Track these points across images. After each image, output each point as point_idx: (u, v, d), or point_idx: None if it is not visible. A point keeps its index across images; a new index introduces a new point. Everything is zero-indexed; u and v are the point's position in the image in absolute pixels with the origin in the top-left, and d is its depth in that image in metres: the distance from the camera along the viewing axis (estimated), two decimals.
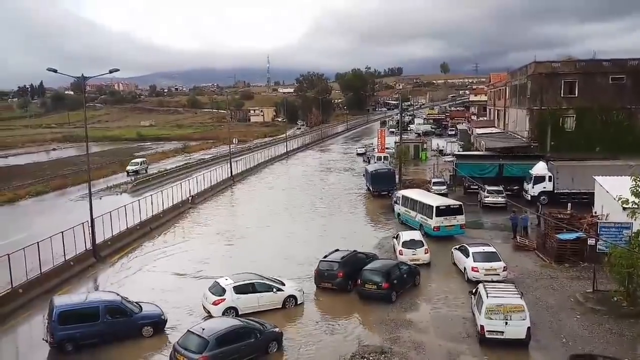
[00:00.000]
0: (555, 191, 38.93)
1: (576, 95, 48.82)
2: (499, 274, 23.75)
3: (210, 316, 20.79)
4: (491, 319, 18.04)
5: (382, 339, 19.22)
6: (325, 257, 24.71)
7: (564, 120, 49.18)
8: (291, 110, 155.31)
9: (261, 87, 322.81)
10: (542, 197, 38.70)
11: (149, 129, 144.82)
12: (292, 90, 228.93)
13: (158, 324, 20.10)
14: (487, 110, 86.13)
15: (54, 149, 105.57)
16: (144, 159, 69.79)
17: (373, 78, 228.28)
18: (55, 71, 28.13)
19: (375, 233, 34.56)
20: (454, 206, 31.74)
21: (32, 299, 23.45)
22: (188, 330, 17.57)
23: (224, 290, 21.03)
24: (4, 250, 23.54)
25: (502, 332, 17.92)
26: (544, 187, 39.19)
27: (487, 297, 18.56)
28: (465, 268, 24.92)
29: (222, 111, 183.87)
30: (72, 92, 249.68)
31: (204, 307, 21.41)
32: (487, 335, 18.11)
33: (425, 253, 27.03)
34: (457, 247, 27.23)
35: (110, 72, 29.01)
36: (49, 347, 18.73)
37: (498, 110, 71.98)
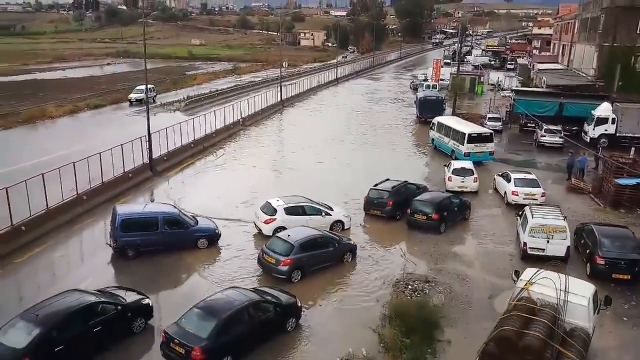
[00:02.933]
0: (617, 134, 37.21)
1: None
2: (537, 199, 25.23)
3: (261, 233, 21.67)
4: (534, 237, 19.61)
5: (427, 268, 19.61)
6: (376, 185, 24.97)
7: (636, 59, 45.90)
8: (342, 34, 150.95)
9: (313, 9, 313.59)
10: (602, 140, 37.10)
11: (199, 48, 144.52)
12: (344, 13, 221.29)
13: (212, 237, 21.09)
14: (551, 44, 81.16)
15: (108, 64, 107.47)
16: (152, 86, 56.58)
17: (431, 4, 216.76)
18: None
19: (423, 165, 34.49)
20: (485, 134, 33.41)
21: (94, 206, 24.90)
22: (275, 236, 19.69)
23: (275, 211, 21.70)
24: (70, 158, 24.85)
25: (544, 250, 19.44)
26: (606, 130, 37.47)
27: (532, 217, 20.13)
28: (505, 192, 26.55)
29: (272, 33, 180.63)
30: (124, 7, 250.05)
31: (255, 225, 22.25)
32: (529, 252, 19.71)
33: (474, 182, 27.58)
34: (500, 173, 28.52)
35: None
36: (112, 251, 20.06)
37: (563, 45, 67.75)
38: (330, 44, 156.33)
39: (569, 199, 27.62)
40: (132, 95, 54.85)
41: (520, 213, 22.03)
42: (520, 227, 21.24)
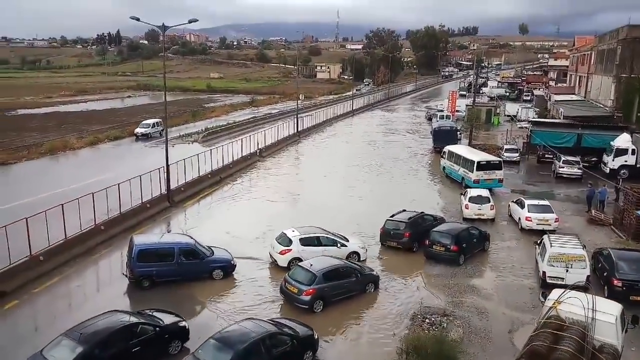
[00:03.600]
0: (638, 165, 36.71)
1: None
2: (550, 225, 25.84)
3: (276, 264, 21.58)
4: (553, 266, 19.81)
5: (444, 301, 19.26)
6: (392, 216, 24.85)
7: None
8: (358, 67, 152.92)
9: (329, 43, 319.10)
10: (622, 171, 36.61)
11: (217, 81, 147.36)
12: (360, 46, 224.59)
13: (228, 268, 21.09)
14: (568, 76, 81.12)
15: (128, 97, 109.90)
16: (158, 120, 55.90)
17: (446, 37, 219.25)
18: (138, 19, 28.92)
19: (439, 195, 34.25)
20: (494, 162, 34.10)
21: (112, 236, 25.12)
22: (298, 265, 19.64)
23: (290, 242, 21.65)
24: (89, 189, 25.24)
25: (563, 279, 19.43)
26: (625, 161, 37.00)
27: (551, 246, 20.25)
28: (520, 218, 27.05)
29: (289, 66, 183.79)
30: (146, 42, 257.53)
31: (270, 255, 22.19)
32: (549, 281, 19.72)
33: (491, 209, 27.90)
34: (514, 200, 29.08)
35: (190, 22, 29.55)
36: (128, 282, 20.11)
37: (580, 76, 67.67)
38: (346, 77, 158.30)
39: (590, 230, 27.13)
40: (138, 130, 54.79)
41: (539, 242, 22.24)
42: (539, 256, 21.42)
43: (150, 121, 56.24)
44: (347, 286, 19.10)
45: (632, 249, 22.58)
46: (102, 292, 20.40)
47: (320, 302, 18.35)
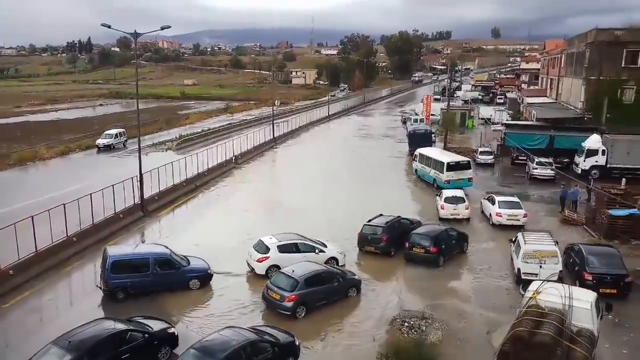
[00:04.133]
0: (608, 165, 37.52)
1: (639, 65, 46.15)
2: (519, 220, 27.12)
3: (254, 272, 21.34)
4: (527, 262, 20.39)
5: (423, 305, 19.30)
6: (370, 221, 24.80)
7: (622, 92, 46.68)
8: (334, 72, 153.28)
9: (304, 48, 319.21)
10: (593, 171, 37.38)
11: (192, 88, 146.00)
12: (335, 52, 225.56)
13: (205, 278, 20.76)
14: (539, 78, 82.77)
15: (100, 105, 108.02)
16: (122, 130, 54.08)
17: (420, 41, 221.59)
18: (109, 27, 28.41)
19: (415, 199, 34.50)
20: (463, 162, 35.21)
21: (85, 247, 24.51)
22: (279, 272, 19.55)
23: (268, 249, 21.45)
24: (60, 200, 24.61)
25: (537, 274, 19.70)
26: (596, 161, 37.80)
27: (525, 243, 20.90)
28: (490, 214, 28.16)
29: (264, 72, 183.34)
30: (118, 49, 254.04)
31: (248, 264, 21.92)
32: (523, 277, 20.15)
33: (466, 209, 28.63)
34: (486, 197, 30.16)
35: (162, 28, 29.10)
36: (102, 294, 19.65)
37: (551, 79, 69.10)
38: (321, 82, 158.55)
39: (563, 230, 27.59)
40: (100, 141, 51.59)
41: (513, 239, 22.83)
42: (513, 253, 22.03)
43: (113, 131, 53.30)
44: (330, 291, 19.07)
45: (601, 244, 23.46)
46: (75, 305, 19.90)
47: (303, 308, 18.26)
